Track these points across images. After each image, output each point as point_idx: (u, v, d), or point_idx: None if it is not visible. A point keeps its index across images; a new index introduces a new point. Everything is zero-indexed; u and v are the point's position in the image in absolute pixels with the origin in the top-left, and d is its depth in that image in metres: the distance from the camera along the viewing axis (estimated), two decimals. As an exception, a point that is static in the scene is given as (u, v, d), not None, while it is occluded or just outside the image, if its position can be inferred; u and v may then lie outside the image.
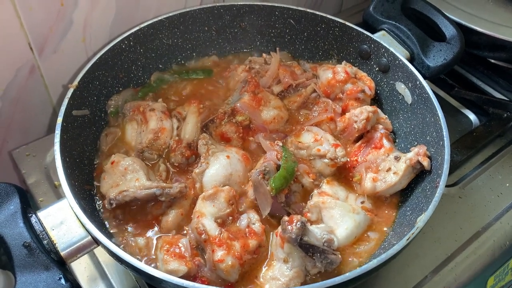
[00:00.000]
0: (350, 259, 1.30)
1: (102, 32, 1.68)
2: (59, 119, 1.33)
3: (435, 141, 1.41)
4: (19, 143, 1.72)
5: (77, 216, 1.16)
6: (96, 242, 1.15)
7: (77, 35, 1.62)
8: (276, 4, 1.77)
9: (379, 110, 1.59)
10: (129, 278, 1.39)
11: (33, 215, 1.16)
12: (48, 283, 1.05)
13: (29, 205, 1.18)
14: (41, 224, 1.15)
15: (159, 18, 1.67)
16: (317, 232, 1.22)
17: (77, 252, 1.15)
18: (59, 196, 1.57)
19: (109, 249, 1.10)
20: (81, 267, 1.40)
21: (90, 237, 1.15)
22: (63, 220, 1.17)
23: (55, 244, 1.13)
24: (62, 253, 1.13)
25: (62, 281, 1.06)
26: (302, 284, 1.21)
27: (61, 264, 1.12)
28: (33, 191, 1.59)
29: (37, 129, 1.76)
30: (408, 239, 1.14)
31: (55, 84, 1.69)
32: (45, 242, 1.12)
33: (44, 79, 1.65)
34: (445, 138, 1.35)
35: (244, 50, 1.87)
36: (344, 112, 1.60)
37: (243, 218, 1.31)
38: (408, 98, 1.57)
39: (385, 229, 1.38)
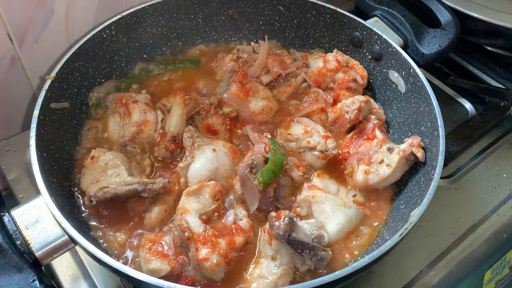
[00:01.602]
0: (342, 254, 1.27)
1: (86, 21, 1.64)
2: (35, 112, 1.29)
3: (430, 132, 1.38)
4: (-1, 137, 1.67)
5: (53, 214, 1.11)
6: (73, 241, 1.11)
7: (59, 24, 1.58)
8: (265, -10, 1.73)
9: (371, 100, 1.56)
10: (112, 277, 1.35)
11: (6, 214, 1.11)
12: (21, 286, 1.01)
13: (2, 203, 1.13)
14: (15, 223, 1.10)
15: (142, 5, 1.63)
16: (306, 228, 1.19)
17: (53, 252, 1.11)
18: (40, 193, 1.52)
19: (86, 249, 1.06)
20: (62, 266, 1.37)
21: (66, 236, 1.11)
22: (38, 219, 1.12)
23: (29, 244, 1.09)
24: (37, 254, 1.09)
25: (36, 283, 1.02)
26: (291, 282, 1.17)
27: (36, 265, 1.08)
28: (13, 187, 1.54)
29: (18, 123, 1.71)
30: (401, 235, 1.11)
31: (37, 76, 1.65)
32: (18, 242, 1.08)
33: (25, 71, 1.61)
34: (440, 128, 1.32)
35: (232, 39, 1.84)
36: (335, 102, 1.58)
37: (229, 214, 1.27)
38: (402, 87, 1.54)
39: (377, 223, 1.36)
